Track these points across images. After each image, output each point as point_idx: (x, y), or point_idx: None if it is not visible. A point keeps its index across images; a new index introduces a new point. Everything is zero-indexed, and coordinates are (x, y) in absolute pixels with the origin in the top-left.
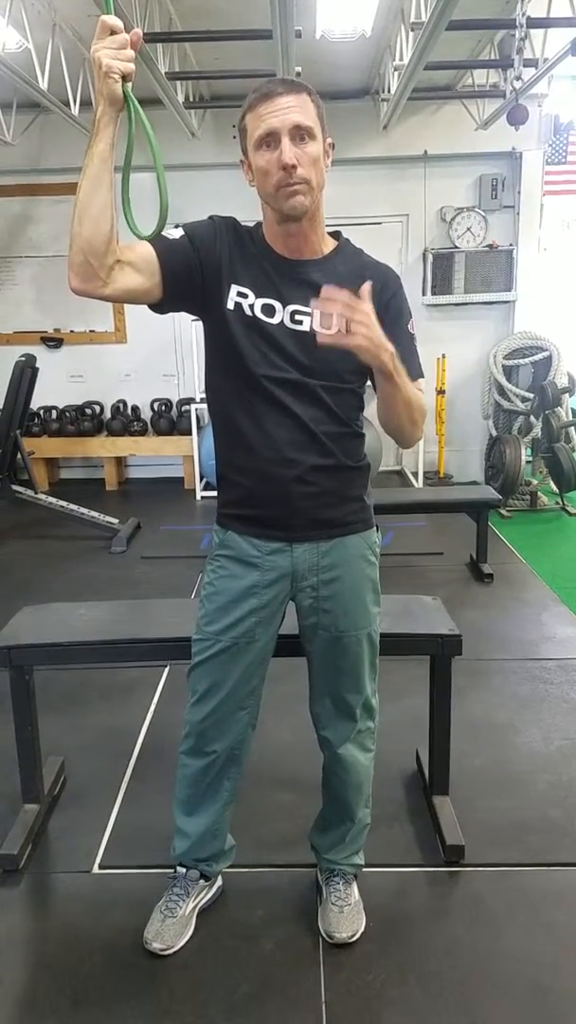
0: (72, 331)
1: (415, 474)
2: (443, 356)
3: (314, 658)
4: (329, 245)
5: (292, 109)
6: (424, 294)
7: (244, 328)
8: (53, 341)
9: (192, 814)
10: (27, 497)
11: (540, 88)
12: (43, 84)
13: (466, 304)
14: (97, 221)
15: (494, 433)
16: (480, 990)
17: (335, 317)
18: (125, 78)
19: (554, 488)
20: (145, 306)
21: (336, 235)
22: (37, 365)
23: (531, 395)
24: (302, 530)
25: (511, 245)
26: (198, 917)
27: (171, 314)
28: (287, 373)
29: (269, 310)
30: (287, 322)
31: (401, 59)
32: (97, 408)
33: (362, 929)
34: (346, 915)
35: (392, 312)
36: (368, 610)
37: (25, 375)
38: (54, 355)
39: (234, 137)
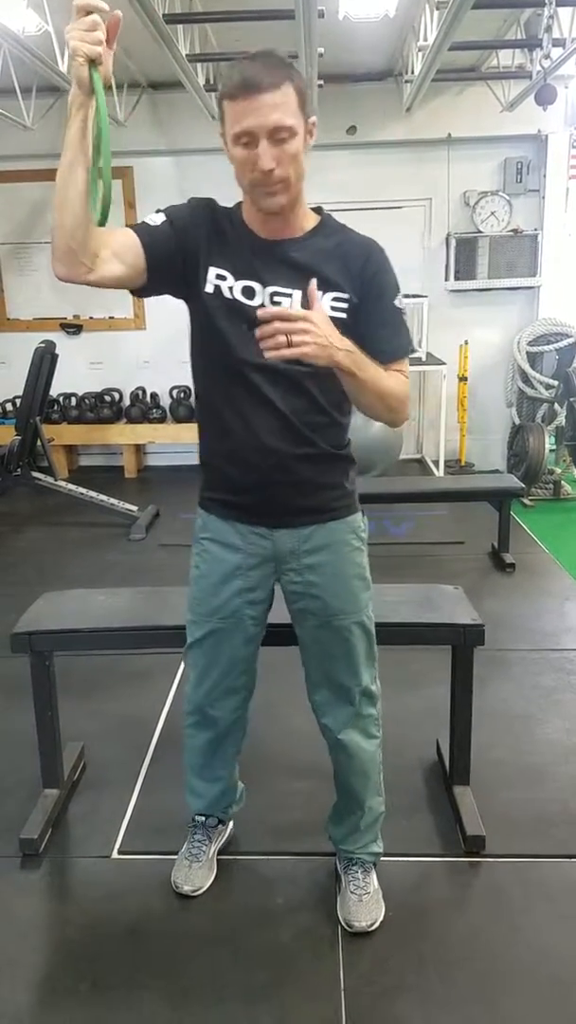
0: (91, 317)
1: (436, 462)
2: (466, 342)
3: (306, 645)
4: (311, 221)
5: (275, 108)
6: (447, 279)
7: (225, 311)
8: (72, 328)
9: (204, 778)
10: (47, 484)
11: (567, 69)
12: (62, 67)
13: (489, 290)
14: (76, 207)
15: (517, 421)
16: (499, 982)
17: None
18: (93, 62)
19: None
20: (128, 291)
21: (318, 210)
22: (56, 352)
23: (555, 382)
24: (281, 516)
25: (536, 230)
26: (216, 904)
27: None
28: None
29: (249, 292)
30: (267, 304)
31: (425, 39)
32: (116, 395)
33: (381, 918)
34: (365, 904)
35: (376, 288)
36: (357, 596)
37: (45, 362)
38: (73, 342)
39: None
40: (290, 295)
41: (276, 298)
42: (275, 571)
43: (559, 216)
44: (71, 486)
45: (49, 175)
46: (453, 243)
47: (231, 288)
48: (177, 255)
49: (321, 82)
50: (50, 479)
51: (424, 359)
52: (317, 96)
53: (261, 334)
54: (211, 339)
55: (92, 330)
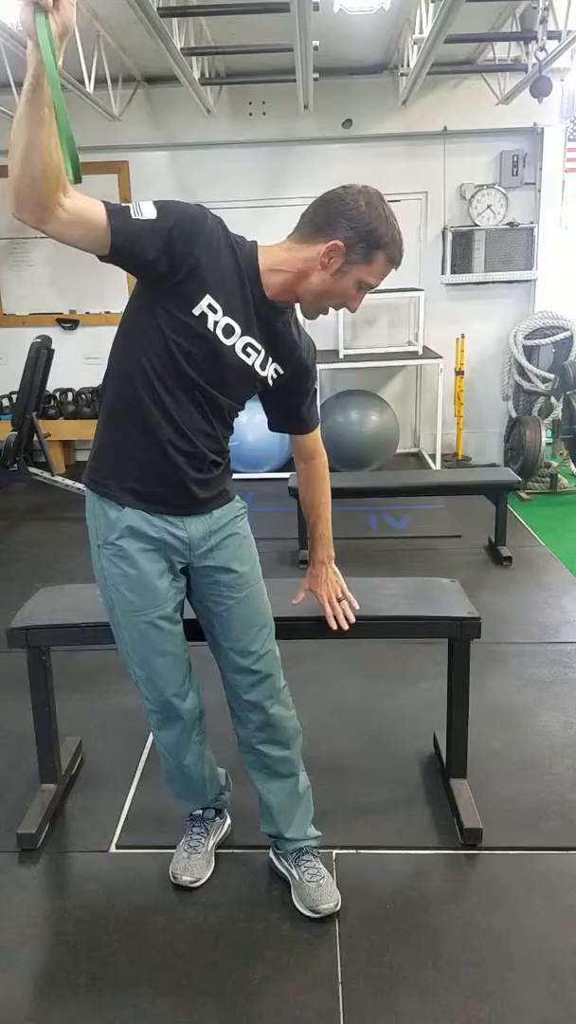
0: (87, 312)
1: (433, 456)
2: (462, 336)
3: (225, 628)
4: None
5: None
6: (443, 273)
7: (200, 337)
8: (68, 323)
9: (184, 777)
10: (44, 479)
11: (562, 62)
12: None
13: (486, 283)
14: (48, 147)
15: (514, 414)
16: (498, 974)
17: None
18: (39, 5)
19: (574, 470)
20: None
21: None
22: (53, 347)
23: (552, 376)
24: (190, 507)
25: (532, 223)
26: (213, 897)
27: None
28: (214, 388)
29: (229, 331)
30: (238, 349)
31: (421, 32)
32: None
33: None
34: (324, 887)
35: (310, 376)
36: (257, 563)
37: (41, 357)
38: (70, 336)
39: (250, 114)
40: (260, 351)
41: (248, 349)
42: (186, 558)
43: (555, 209)
44: (68, 481)
45: None
46: (449, 236)
47: (216, 323)
48: (163, 260)
49: (316, 75)
50: (47, 474)
51: (420, 353)
52: (313, 90)
53: (334, 620)
54: (174, 351)
55: (88, 325)
